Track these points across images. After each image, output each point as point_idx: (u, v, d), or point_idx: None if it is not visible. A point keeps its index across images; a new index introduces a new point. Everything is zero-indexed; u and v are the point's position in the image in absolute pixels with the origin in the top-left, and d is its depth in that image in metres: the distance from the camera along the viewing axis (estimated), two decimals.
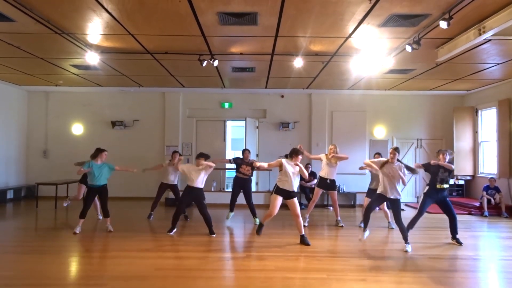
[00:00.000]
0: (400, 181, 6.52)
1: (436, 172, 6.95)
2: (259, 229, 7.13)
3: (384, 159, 6.86)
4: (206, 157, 7.50)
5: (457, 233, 7.05)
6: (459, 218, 9.61)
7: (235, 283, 4.97)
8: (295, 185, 6.81)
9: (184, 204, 7.75)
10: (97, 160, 7.54)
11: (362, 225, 7.01)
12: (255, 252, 6.31)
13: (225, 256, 6.18)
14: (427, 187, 7.16)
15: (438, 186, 6.92)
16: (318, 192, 8.60)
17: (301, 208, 10.80)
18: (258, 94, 12.70)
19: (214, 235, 7.35)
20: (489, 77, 10.18)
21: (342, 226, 8.52)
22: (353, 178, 11.69)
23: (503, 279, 5.30)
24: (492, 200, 10.24)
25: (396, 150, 6.61)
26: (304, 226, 8.25)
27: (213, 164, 7.47)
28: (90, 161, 7.51)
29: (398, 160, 6.63)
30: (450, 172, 6.98)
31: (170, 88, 12.36)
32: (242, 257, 6.08)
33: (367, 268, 5.49)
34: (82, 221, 7.53)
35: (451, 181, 12.07)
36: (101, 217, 8.72)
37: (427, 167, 7.15)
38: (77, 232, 7.43)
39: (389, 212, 8.59)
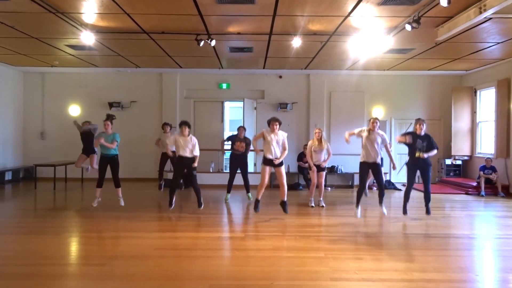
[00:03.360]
0: (381, 147, 7.17)
1: (414, 142, 7.22)
2: (256, 205, 7.25)
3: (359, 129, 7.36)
4: (189, 125, 7.79)
5: (429, 201, 7.32)
6: (456, 198, 9.78)
7: (233, 262, 5.02)
8: (277, 152, 7.14)
9: (178, 176, 7.89)
10: (105, 130, 7.86)
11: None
12: (253, 232, 6.36)
13: (223, 236, 6.23)
14: (408, 158, 7.45)
15: (416, 154, 7.17)
16: (314, 174, 8.61)
17: (299, 189, 10.95)
18: (256, 75, 12.60)
19: (201, 207, 7.79)
20: (488, 57, 10.10)
21: (313, 206, 8.51)
22: (351, 159, 11.70)
23: (498, 257, 5.37)
24: (494, 177, 10.26)
25: (376, 119, 7.24)
26: (312, 206, 8.46)
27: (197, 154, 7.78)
28: (100, 132, 7.99)
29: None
30: (428, 142, 7.21)
31: (167, 69, 12.24)
32: (240, 236, 6.13)
33: (364, 247, 5.54)
34: (100, 190, 7.92)
35: (449, 162, 12.18)
36: (88, 168, 9.78)
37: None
38: (94, 205, 7.84)
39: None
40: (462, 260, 5.07)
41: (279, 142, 7.14)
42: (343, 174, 11.97)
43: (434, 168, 11.18)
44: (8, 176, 11.98)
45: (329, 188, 11.35)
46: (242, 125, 11.55)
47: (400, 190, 11.23)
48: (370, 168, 7.14)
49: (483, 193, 10.17)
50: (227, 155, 13.31)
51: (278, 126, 7.20)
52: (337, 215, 7.86)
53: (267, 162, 7.15)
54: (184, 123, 7.72)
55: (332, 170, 11.83)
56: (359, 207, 7.05)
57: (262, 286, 4.08)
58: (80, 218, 7.40)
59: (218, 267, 4.74)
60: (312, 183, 8.65)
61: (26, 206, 8.77)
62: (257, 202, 7.27)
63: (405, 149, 12.49)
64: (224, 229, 6.84)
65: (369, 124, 7.32)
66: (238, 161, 9.00)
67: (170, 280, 4.24)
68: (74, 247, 5.72)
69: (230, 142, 9.09)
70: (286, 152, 7.22)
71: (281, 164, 7.17)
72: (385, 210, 6.99)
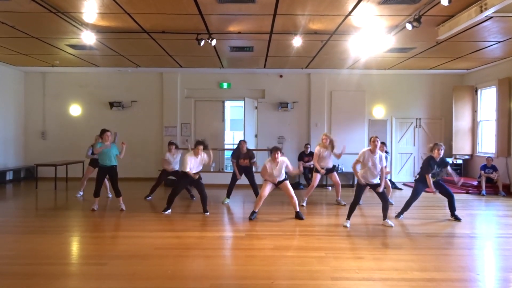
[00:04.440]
0: (380, 169, 6.72)
1: (432, 168, 7.09)
2: (252, 214, 7.20)
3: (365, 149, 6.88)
4: (205, 146, 7.58)
5: (455, 210, 7.25)
6: (457, 197, 9.70)
7: (234, 261, 5.02)
8: (280, 176, 7.22)
9: (181, 187, 7.86)
10: (104, 141, 7.73)
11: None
12: (254, 231, 6.36)
13: (224, 235, 6.23)
14: (417, 175, 7.36)
15: (433, 179, 7.08)
16: (317, 177, 8.54)
17: (300, 188, 10.93)
18: (257, 74, 12.60)
19: (208, 214, 7.56)
20: (489, 56, 10.09)
21: (344, 204, 8.57)
22: (352, 158, 11.66)
23: (499, 256, 5.36)
24: (495, 176, 10.24)
25: (377, 138, 6.78)
26: (302, 205, 8.35)
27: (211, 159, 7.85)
28: (99, 142, 7.85)
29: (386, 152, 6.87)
30: (444, 167, 7.13)
31: (168, 68, 12.25)
32: (241, 236, 6.13)
33: (365, 246, 5.54)
34: (98, 199, 7.89)
35: (449, 161, 12.16)
36: (110, 195, 9.28)
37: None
38: (95, 209, 7.79)
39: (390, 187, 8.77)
40: (463, 259, 5.06)
41: (281, 169, 7.16)
42: (344, 173, 11.96)
43: None
44: (9, 175, 12.00)
45: (330, 188, 11.36)
46: (244, 126, 11.63)
47: (401, 189, 11.23)
48: (370, 187, 6.83)
49: (484, 192, 10.16)
50: (227, 155, 13.36)
51: (279, 154, 7.10)
52: (337, 214, 7.86)
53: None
54: (200, 143, 7.54)
55: (332, 169, 11.81)
56: (350, 219, 6.71)
57: (262, 285, 4.08)
58: (81, 217, 7.40)
59: (219, 266, 4.74)
60: (311, 185, 8.59)
61: (27, 206, 8.77)
62: (254, 212, 7.23)
63: (405, 149, 12.62)
64: (225, 228, 6.83)
65: (369, 143, 6.82)
66: (244, 172, 8.87)
67: (170, 279, 4.24)
68: (75, 246, 5.72)
69: (235, 160, 8.88)
70: (293, 171, 7.38)
71: (285, 179, 7.27)
72: (391, 223, 6.66)
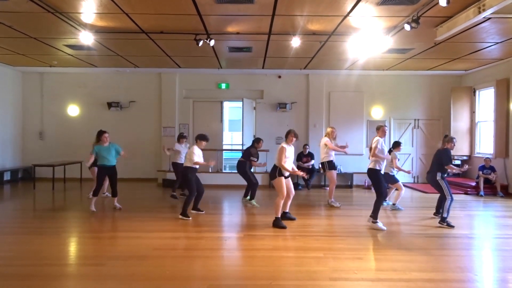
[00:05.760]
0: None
1: (452, 160, 7.06)
2: (279, 223, 6.67)
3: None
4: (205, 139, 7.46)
5: (440, 209, 7.10)
6: (455, 197, 9.66)
7: (233, 262, 5.02)
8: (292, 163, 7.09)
9: (193, 184, 7.40)
10: (102, 142, 7.78)
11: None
12: (253, 232, 6.35)
13: (223, 236, 6.22)
14: (439, 173, 6.84)
15: (456, 171, 7.15)
16: (334, 174, 8.63)
17: (297, 189, 10.93)
18: (255, 75, 12.59)
19: (203, 212, 7.58)
20: (487, 57, 10.10)
21: (339, 206, 8.54)
22: (351, 159, 11.75)
23: (497, 256, 5.37)
24: (493, 177, 10.26)
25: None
26: (333, 205, 8.47)
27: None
28: (95, 146, 7.84)
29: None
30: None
31: (166, 68, 12.23)
32: (240, 236, 6.12)
33: (364, 247, 5.55)
34: (96, 199, 7.87)
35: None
36: (106, 194, 9.21)
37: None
38: (94, 210, 7.70)
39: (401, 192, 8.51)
40: (461, 260, 5.07)
41: (293, 156, 7.09)
42: (343, 173, 11.96)
43: None
44: (6, 176, 11.96)
45: (328, 188, 11.35)
46: (242, 127, 11.63)
47: None
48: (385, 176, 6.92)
49: (482, 193, 10.18)
50: (226, 155, 13.37)
51: (294, 139, 6.98)
52: (336, 215, 7.85)
53: (283, 173, 6.79)
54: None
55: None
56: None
57: (261, 286, 4.07)
58: (79, 218, 7.38)
59: (217, 267, 4.74)
60: (333, 182, 8.64)
61: (25, 207, 8.75)
62: (278, 219, 6.67)
63: (404, 150, 12.60)
64: (223, 229, 6.83)
65: (379, 132, 7.02)
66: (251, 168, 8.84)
67: (169, 280, 4.23)
68: (73, 247, 5.71)
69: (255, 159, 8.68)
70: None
71: (289, 175, 7.02)
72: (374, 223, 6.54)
